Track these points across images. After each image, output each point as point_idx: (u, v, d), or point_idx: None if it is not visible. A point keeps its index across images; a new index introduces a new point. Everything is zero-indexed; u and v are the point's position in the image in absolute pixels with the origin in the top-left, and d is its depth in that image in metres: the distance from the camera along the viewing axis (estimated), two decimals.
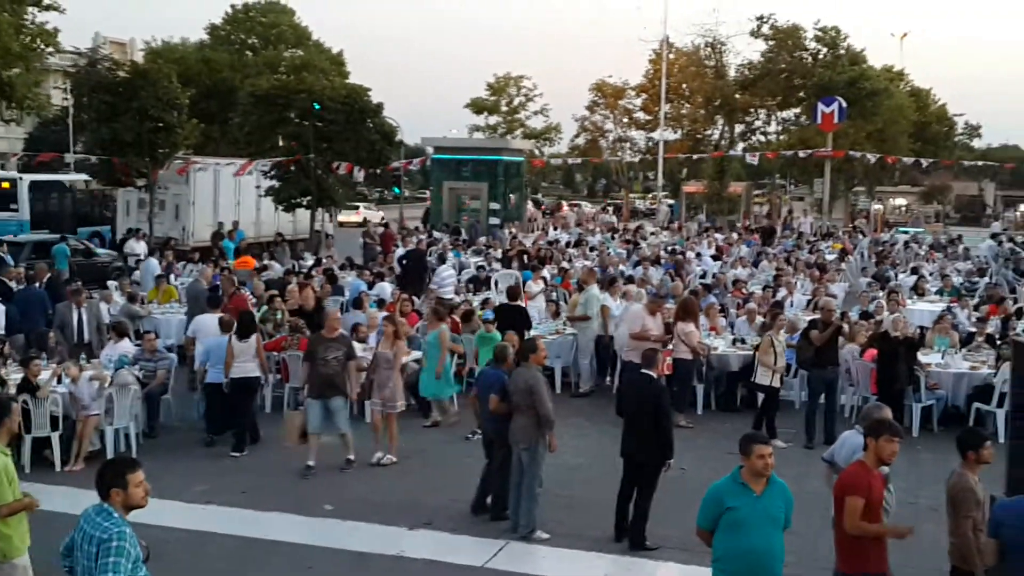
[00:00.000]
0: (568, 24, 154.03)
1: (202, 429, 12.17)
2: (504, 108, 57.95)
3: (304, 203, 29.72)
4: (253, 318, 12.66)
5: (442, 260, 22.72)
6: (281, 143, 29.94)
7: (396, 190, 46.68)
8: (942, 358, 13.44)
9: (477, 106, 57.25)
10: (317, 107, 28.71)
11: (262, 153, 29.50)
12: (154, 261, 20.91)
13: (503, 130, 56.04)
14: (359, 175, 30.62)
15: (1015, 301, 18.48)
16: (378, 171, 32.29)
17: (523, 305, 14.96)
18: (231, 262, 21.38)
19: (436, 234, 30.54)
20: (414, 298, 16.74)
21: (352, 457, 10.96)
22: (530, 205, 45.48)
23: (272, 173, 29.03)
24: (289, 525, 9.39)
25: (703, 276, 22.08)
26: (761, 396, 12.49)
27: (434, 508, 9.72)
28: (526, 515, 8.96)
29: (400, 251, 23.69)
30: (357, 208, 46.52)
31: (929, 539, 7.73)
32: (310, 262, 23.13)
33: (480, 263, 23.42)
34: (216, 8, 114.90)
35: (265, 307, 14.79)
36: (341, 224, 43.11)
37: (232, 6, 55.96)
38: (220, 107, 41.67)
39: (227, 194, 29.92)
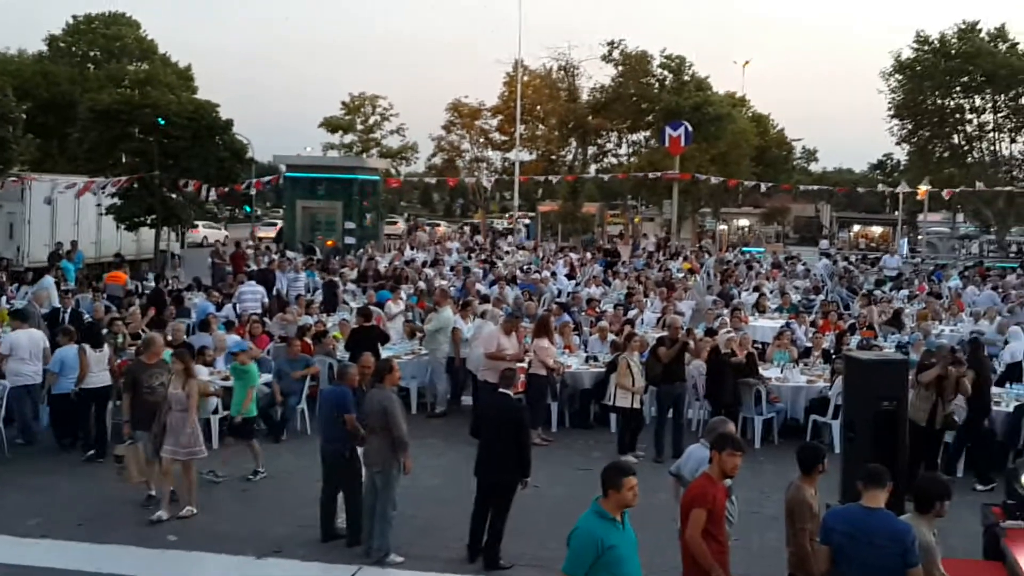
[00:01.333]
0: (425, 44, 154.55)
1: (42, 451, 11.75)
2: (360, 127, 57.38)
3: (148, 222, 28.64)
4: (100, 328, 12.23)
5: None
6: (124, 160, 28.81)
7: (248, 209, 45.59)
8: (781, 372, 14.02)
9: (331, 125, 56.44)
10: (162, 122, 27.78)
11: (103, 170, 28.31)
12: None
13: (359, 149, 55.52)
14: (208, 193, 29.77)
15: (849, 317, 19.53)
16: (228, 189, 31.47)
17: (377, 325, 14.84)
18: (72, 284, 20.44)
19: (289, 253, 29.94)
20: (265, 319, 16.36)
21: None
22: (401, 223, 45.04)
23: (113, 191, 27.87)
24: (130, 558, 8.96)
25: (558, 295, 22.40)
26: (615, 416, 12.84)
27: (283, 536, 9.46)
28: (380, 538, 8.82)
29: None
30: (196, 227, 44.97)
31: (771, 548, 8.02)
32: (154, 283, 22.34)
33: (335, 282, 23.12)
34: (56, 19, 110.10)
35: (106, 329, 14.17)
36: (200, 244, 41.82)
37: (73, 17, 53.65)
38: (59, 122, 39.79)
39: (65, 212, 28.58)
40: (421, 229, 45.50)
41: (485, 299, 18.66)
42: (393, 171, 54.41)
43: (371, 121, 57.64)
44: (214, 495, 10.63)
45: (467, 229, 55.48)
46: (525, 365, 13.35)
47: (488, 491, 8.86)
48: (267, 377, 12.93)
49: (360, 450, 9.05)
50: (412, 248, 32.97)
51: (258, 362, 13.20)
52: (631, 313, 18.38)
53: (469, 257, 30.71)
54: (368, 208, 36.92)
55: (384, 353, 13.72)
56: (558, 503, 10.57)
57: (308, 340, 14.19)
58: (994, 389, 13.30)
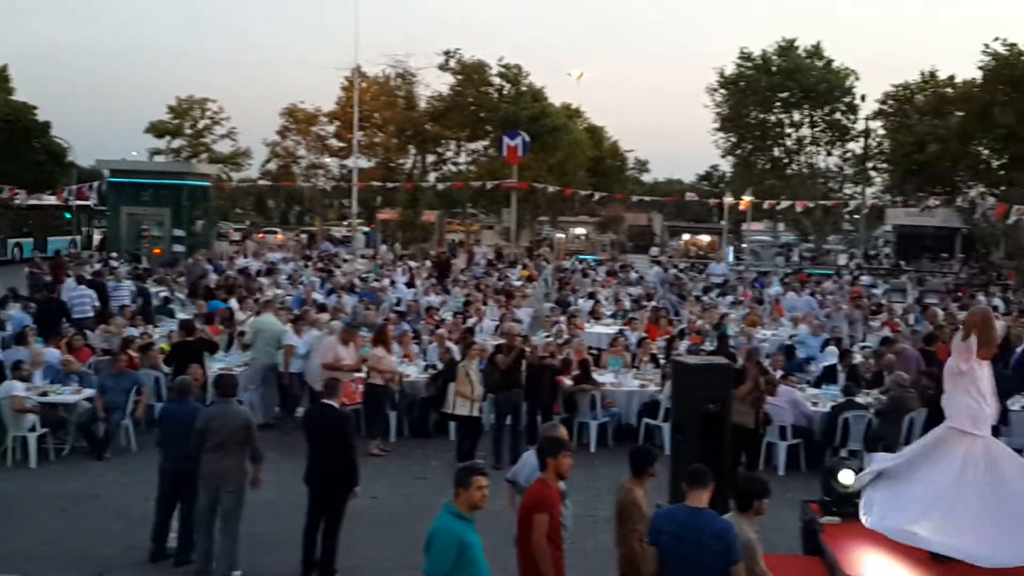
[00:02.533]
0: (259, 47, 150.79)
1: None
2: (188, 131, 55.55)
3: None
4: None
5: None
6: None
7: (68, 215, 43.32)
8: (615, 377, 14.38)
9: (158, 129, 54.45)
10: None
11: None
12: None
13: (188, 154, 53.71)
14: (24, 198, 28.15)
15: (679, 323, 20.23)
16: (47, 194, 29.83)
17: (204, 337, 14.36)
18: None
19: (113, 262, 28.61)
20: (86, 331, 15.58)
21: None
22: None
23: None
24: None
25: (397, 304, 22.26)
26: (454, 424, 12.87)
27: (108, 557, 9.03)
28: (228, 556, 8.56)
29: (71, 281, 21.89)
30: None
31: (604, 550, 8.17)
32: None
33: (164, 293, 22.27)
34: None
35: None
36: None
37: None
38: None
39: None
40: (254, 238, 44.37)
41: (323, 308, 18.34)
42: (224, 176, 52.96)
43: (200, 125, 55.94)
44: (35, 515, 10.03)
45: (304, 237, 54.48)
46: (363, 375, 13.21)
47: (319, 502, 8.70)
48: (89, 392, 12.32)
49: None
50: (245, 256, 32.04)
51: (79, 376, 12.60)
52: (470, 321, 18.46)
53: (306, 266, 30.14)
54: (198, 215, 35.74)
55: (215, 365, 13.33)
56: (396, 513, 10.51)
57: (133, 353, 13.56)
58: (811, 391, 14.09)
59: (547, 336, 15.72)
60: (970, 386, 7.38)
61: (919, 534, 7.24)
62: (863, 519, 7.67)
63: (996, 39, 40.43)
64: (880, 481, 7.94)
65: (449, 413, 12.83)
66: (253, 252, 33.07)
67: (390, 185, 47.14)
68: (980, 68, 41.01)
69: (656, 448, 8.78)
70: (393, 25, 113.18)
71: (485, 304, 21.01)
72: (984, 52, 40.41)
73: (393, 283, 25.60)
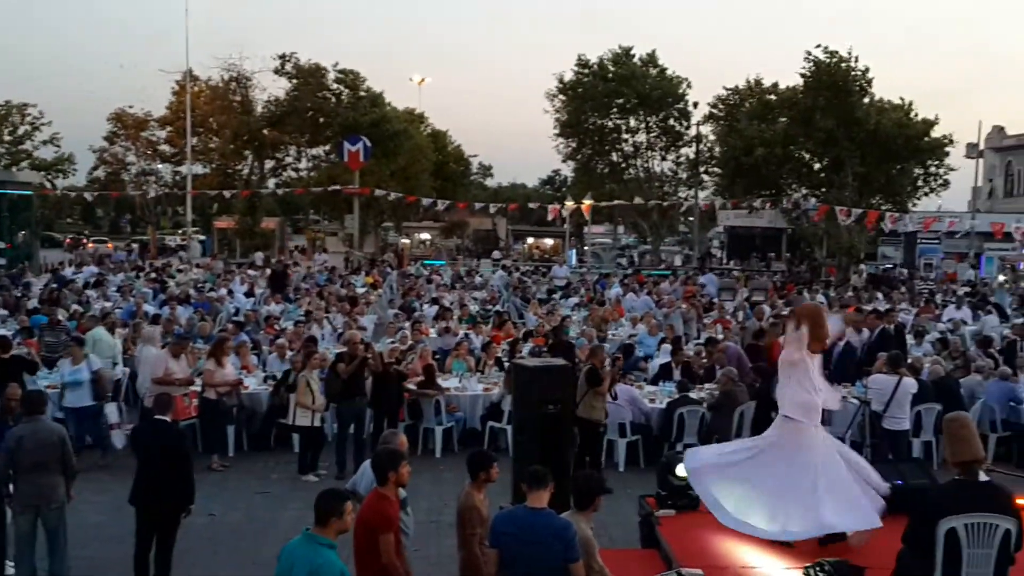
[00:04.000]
0: (83, 50, 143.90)
1: None
2: (8, 138, 52.46)
3: None
4: None
5: None
6: None
7: None
8: (460, 382, 14.41)
9: None
10: None
11: None
12: None
13: (7, 161, 50.71)
14: None
15: (523, 326, 20.47)
16: None
17: (20, 355, 13.57)
18: None
19: None
20: None
21: None
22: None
23: None
24: None
25: (235, 313, 21.66)
26: (296, 436, 12.62)
27: None
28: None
29: None
30: None
31: (449, 555, 8.16)
32: None
33: None
34: None
35: None
36: None
37: None
38: None
39: None
40: (82, 247, 42.34)
41: (155, 320, 17.65)
42: (48, 184, 50.32)
43: (20, 131, 52.99)
44: None
45: (136, 247, 52.39)
46: (198, 389, 12.79)
47: (148, 523, 8.35)
48: None
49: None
50: (72, 267, 30.55)
51: None
52: (312, 330, 18.12)
53: (137, 276, 28.96)
54: (20, 225, 33.82)
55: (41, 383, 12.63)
56: (235, 529, 10.22)
57: None
58: (649, 388, 14.51)
59: (391, 342, 15.62)
60: (803, 377, 7.72)
61: (751, 522, 7.53)
62: (711, 505, 7.88)
63: (818, 46, 42.68)
64: (716, 471, 8.22)
65: (290, 424, 12.58)
66: (77, 263, 31.57)
67: (226, 192, 45.84)
68: (802, 75, 43.19)
69: (493, 452, 8.82)
70: (226, 28, 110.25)
71: (328, 312, 20.69)
72: (806, 59, 42.57)
73: (231, 293, 24.90)
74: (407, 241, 57.70)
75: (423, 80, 60.25)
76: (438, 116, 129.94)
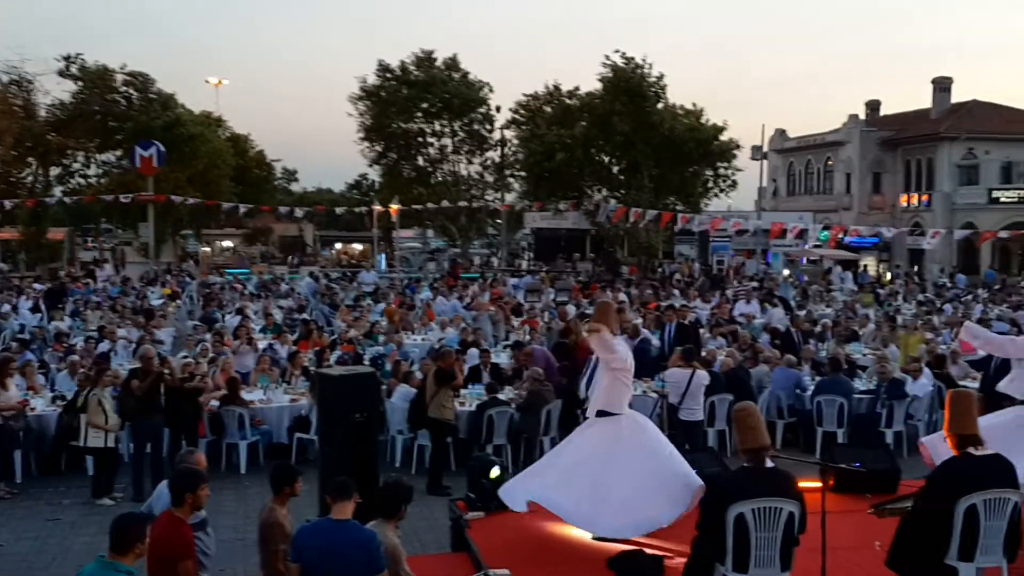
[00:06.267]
0: None
1: None
2: None
3: None
4: None
5: None
6: None
7: None
8: (264, 394, 14.02)
9: None
10: None
11: None
12: None
13: None
14: None
15: (331, 334, 20.15)
16: None
17: None
18: None
19: None
20: None
21: None
22: None
23: None
24: None
25: (20, 331, 20.31)
26: (89, 458, 11.94)
27: None
28: None
29: None
30: None
31: (253, 573, 7.93)
32: None
33: None
34: None
35: None
36: None
37: None
38: None
39: None
40: None
41: None
42: None
43: None
44: None
45: None
46: None
47: None
48: None
49: None
50: None
51: None
52: (102, 345, 17.21)
53: None
54: None
55: None
56: (24, 559, 9.62)
57: None
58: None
59: (184, 356, 15.00)
60: (609, 372, 7.96)
61: (566, 508, 7.67)
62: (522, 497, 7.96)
63: (616, 51, 44.25)
64: (537, 467, 8.34)
65: (82, 446, 11.90)
66: None
67: (8, 202, 42.81)
68: (600, 80, 44.66)
69: (301, 465, 8.65)
70: (4, 30, 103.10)
71: (121, 326, 19.70)
72: (604, 64, 44.05)
73: (15, 309, 23.31)
74: (208, 249, 55.71)
75: (220, 82, 58.41)
76: (238, 120, 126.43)
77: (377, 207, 48.80)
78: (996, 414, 8.40)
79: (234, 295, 28.10)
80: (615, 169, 47.13)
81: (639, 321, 19.44)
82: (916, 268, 45.91)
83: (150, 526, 5.68)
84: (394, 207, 47.50)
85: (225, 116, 57.09)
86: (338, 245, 64.03)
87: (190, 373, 12.95)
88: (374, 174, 56.52)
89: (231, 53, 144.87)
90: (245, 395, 13.62)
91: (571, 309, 22.31)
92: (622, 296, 26.44)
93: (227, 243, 60.51)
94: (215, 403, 13.19)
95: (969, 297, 29.47)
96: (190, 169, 46.50)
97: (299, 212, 49.43)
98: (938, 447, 8.27)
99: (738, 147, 46.30)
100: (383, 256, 51.35)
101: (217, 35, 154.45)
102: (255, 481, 12.22)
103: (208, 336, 18.04)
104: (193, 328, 20.31)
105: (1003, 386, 9.03)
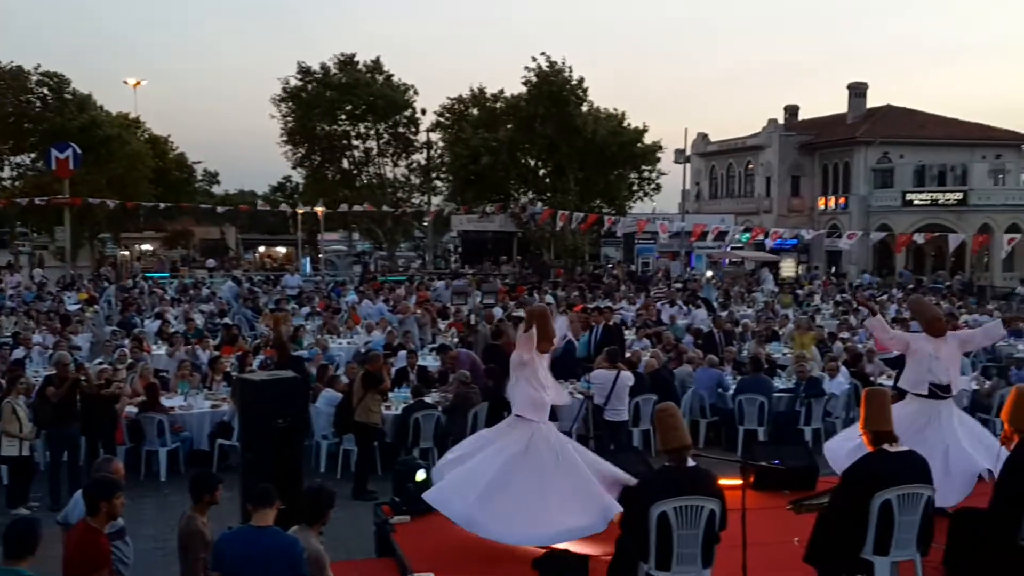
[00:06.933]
0: None
1: None
2: None
3: None
4: None
5: None
6: None
7: None
8: (184, 400, 13.77)
9: None
10: None
11: None
12: None
13: None
14: None
15: (254, 338, 19.87)
16: None
17: None
18: None
19: None
20: None
21: None
22: None
23: None
24: None
25: None
26: (5, 467, 11.59)
27: None
28: None
29: None
30: None
31: None
32: None
33: None
34: None
35: None
36: None
37: None
38: None
39: None
40: None
41: None
42: None
43: None
44: None
45: None
46: None
47: None
48: None
49: None
50: None
51: None
52: (17, 352, 16.71)
53: None
54: None
55: None
56: None
57: None
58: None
59: (101, 362, 14.65)
60: (532, 376, 7.98)
61: (478, 520, 7.67)
62: (437, 502, 7.95)
63: (542, 53, 44.48)
64: (449, 468, 8.33)
65: None
66: None
67: None
68: (524, 84, 44.84)
69: (222, 472, 8.51)
70: None
71: (37, 332, 19.15)
72: (527, 68, 44.23)
73: None
74: (127, 253, 54.43)
75: (139, 82, 57.17)
76: (158, 121, 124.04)
77: (301, 209, 48.19)
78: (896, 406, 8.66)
79: (154, 299, 27.50)
80: (541, 172, 47.34)
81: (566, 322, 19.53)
82: (834, 269, 47.09)
83: (65, 536, 5.55)
84: (319, 209, 47.01)
85: (144, 117, 55.96)
86: (261, 248, 63.14)
87: (106, 379, 12.66)
88: (298, 176, 55.92)
89: (150, 53, 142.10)
90: (165, 401, 13.36)
91: (498, 311, 22.33)
92: (549, 298, 26.58)
93: (147, 246, 59.16)
94: (134, 409, 12.92)
95: (884, 297, 30.29)
96: (108, 172, 45.45)
97: (220, 210, 48.64)
98: (837, 453, 8.52)
99: (661, 150, 46.94)
100: (308, 259, 50.78)
101: (135, 34, 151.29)
102: (175, 489, 11.99)
103: (127, 342, 17.65)
104: (111, 334, 19.82)
105: (901, 382, 9.33)
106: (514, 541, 7.64)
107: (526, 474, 7.74)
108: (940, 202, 46.60)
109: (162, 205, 44.75)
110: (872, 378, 15.01)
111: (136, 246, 57.82)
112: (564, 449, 8.00)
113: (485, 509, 7.64)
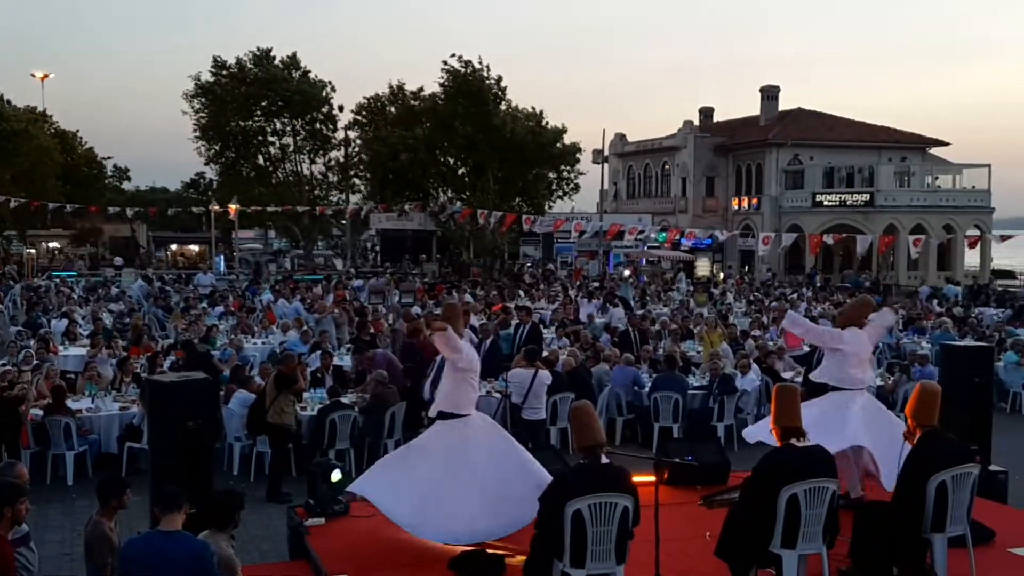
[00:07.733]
0: None
1: None
2: None
3: None
4: None
5: None
6: None
7: None
8: (92, 403, 13.40)
9: None
10: None
11: None
12: None
13: None
14: None
15: (164, 337, 19.45)
16: None
17: None
18: None
19: None
20: None
21: None
22: None
23: None
24: None
25: None
26: None
27: None
28: None
29: None
30: None
31: None
32: None
33: None
34: None
35: None
36: None
37: None
38: None
39: None
40: None
41: None
42: None
43: None
44: None
45: None
46: None
47: None
48: None
49: None
50: None
51: None
52: None
53: None
54: None
55: None
56: None
57: None
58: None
59: (4, 364, 14.18)
60: (456, 373, 7.95)
61: (409, 520, 7.62)
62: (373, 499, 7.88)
63: (453, 55, 44.46)
64: (381, 468, 8.26)
65: None
66: None
67: None
68: (439, 84, 44.80)
69: (131, 476, 8.31)
70: None
71: None
72: (443, 68, 44.17)
73: None
74: (33, 251, 52.76)
75: (46, 76, 55.48)
76: (66, 115, 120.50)
77: (215, 207, 47.33)
78: (814, 401, 8.87)
79: (60, 298, 26.70)
80: (460, 171, 47.32)
81: (484, 322, 19.56)
82: (747, 268, 48.06)
83: None
84: (233, 207, 46.22)
85: (51, 111, 54.28)
86: (173, 246, 61.81)
87: (10, 381, 12.25)
88: (212, 173, 54.89)
89: (58, 45, 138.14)
90: (72, 404, 12.97)
91: (416, 311, 22.24)
92: (468, 297, 26.57)
93: (54, 244, 57.46)
94: (39, 412, 12.52)
95: (795, 296, 31.03)
96: (13, 167, 44.06)
97: (129, 212, 47.43)
98: (758, 429, 8.79)
99: (580, 151, 47.33)
100: (221, 257, 49.86)
101: (42, 27, 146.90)
102: (83, 493, 11.66)
103: (32, 342, 17.12)
104: (16, 334, 19.20)
105: (816, 375, 9.56)
106: (453, 540, 7.59)
107: (452, 476, 7.69)
108: (848, 203, 47.92)
109: (69, 207, 43.42)
110: (782, 375, 15.35)
111: (43, 244, 56.13)
112: (492, 447, 7.96)
113: (422, 510, 7.58)
